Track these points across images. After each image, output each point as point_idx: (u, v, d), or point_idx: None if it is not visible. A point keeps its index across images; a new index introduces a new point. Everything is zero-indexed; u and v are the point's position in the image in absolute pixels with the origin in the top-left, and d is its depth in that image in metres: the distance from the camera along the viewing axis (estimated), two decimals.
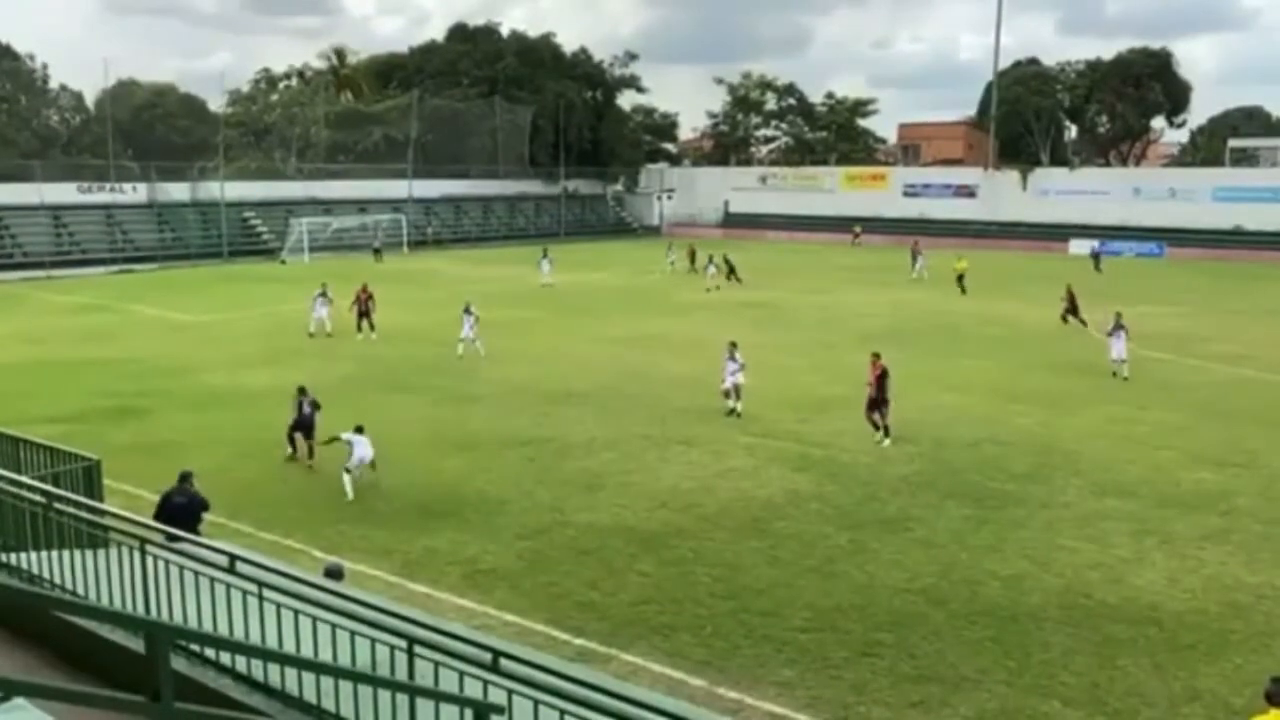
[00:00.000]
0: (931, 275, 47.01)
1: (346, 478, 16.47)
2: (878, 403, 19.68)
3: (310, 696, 5.98)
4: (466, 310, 28.07)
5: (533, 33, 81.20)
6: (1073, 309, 33.52)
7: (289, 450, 18.55)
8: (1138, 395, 23.86)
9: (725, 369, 21.83)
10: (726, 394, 21.77)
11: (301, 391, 18.74)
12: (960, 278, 42.65)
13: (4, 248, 51.77)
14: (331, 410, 18.91)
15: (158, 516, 10.80)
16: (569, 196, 79.31)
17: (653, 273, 50.32)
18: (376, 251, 57.25)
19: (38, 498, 7.75)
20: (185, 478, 12.19)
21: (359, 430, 16.90)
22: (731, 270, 45.83)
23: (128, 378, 25.35)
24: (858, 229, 70.31)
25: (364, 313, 30.98)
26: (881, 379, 19.64)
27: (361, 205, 65.27)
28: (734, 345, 22.14)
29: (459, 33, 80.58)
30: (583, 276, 49.37)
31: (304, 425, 18.37)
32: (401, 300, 36.66)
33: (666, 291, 43.60)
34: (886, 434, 19.45)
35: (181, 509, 11.56)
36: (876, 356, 20.05)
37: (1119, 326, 25.64)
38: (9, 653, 6.44)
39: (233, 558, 6.75)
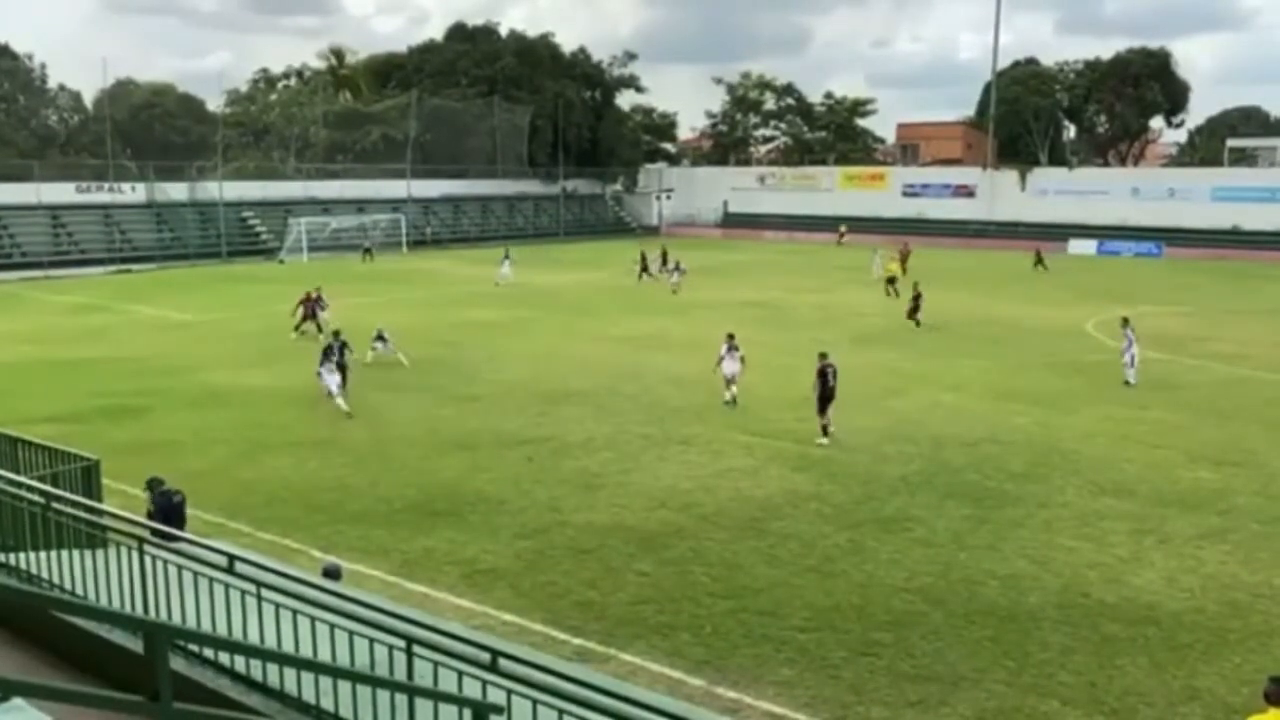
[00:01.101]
0: (916, 275, 46.74)
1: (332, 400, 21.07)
2: (824, 400, 19.68)
3: (309, 696, 5.98)
4: (380, 337, 26.68)
5: (532, 32, 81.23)
6: (915, 308, 33.51)
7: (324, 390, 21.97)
8: (1136, 394, 23.86)
9: (723, 359, 22.22)
10: (728, 381, 22.10)
11: (335, 335, 22.80)
12: (891, 280, 41.81)
13: (2, 248, 51.71)
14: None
15: (153, 517, 10.79)
16: (568, 196, 79.27)
17: (649, 272, 50.25)
18: (367, 251, 57.07)
19: (37, 498, 7.74)
20: (160, 482, 11.95)
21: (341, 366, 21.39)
22: (645, 267, 47.29)
23: (126, 377, 25.34)
24: (843, 228, 70.43)
25: (309, 314, 31.03)
26: (820, 377, 19.63)
27: (360, 205, 65.22)
28: (731, 336, 22.51)
29: (458, 32, 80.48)
30: (581, 276, 49.40)
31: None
32: (400, 300, 36.65)
33: (664, 291, 43.57)
34: (824, 432, 19.46)
35: (179, 507, 11.60)
36: (823, 356, 20.08)
37: (1126, 335, 25.15)
38: (8, 653, 6.44)
39: (231, 558, 6.75)
